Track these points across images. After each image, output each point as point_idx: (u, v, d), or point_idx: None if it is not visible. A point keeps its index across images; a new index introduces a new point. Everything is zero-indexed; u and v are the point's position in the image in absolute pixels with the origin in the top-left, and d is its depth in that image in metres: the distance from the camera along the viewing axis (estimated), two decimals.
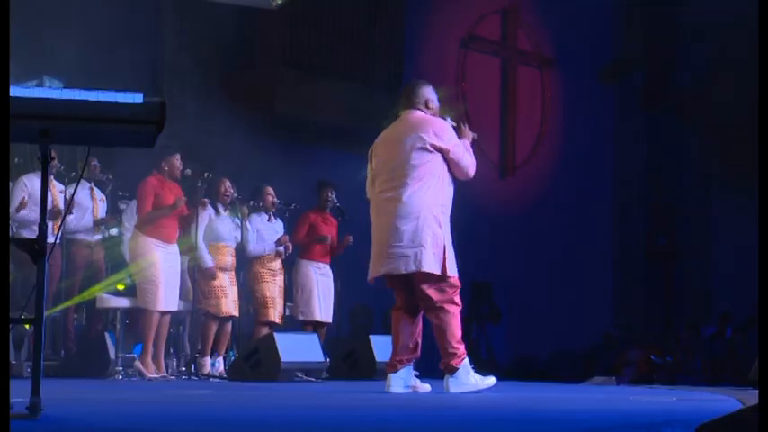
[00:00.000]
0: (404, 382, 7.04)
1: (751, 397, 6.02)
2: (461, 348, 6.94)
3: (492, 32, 17.99)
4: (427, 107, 7.17)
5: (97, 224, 10.33)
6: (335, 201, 11.26)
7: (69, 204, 9.65)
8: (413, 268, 6.90)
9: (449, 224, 7.00)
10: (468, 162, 7.02)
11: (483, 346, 16.16)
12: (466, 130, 7.26)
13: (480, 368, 12.68)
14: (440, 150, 6.96)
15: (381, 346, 10.63)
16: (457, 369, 6.91)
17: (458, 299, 6.97)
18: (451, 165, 6.99)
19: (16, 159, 9.72)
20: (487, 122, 16.87)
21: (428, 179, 6.95)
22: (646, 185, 19.43)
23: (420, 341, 7.16)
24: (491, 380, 7.01)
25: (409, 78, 16.03)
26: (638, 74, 19.38)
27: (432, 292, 6.94)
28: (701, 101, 18.71)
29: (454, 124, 7.25)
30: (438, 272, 6.88)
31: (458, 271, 7.01)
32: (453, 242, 7.05)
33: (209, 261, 10.26)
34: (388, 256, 6.96)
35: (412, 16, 16.48)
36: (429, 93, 7.23)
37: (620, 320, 18.28)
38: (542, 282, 16.94)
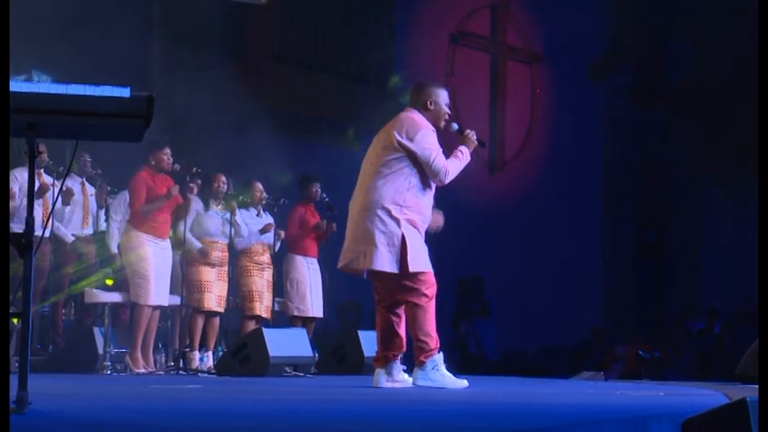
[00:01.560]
0: (391, 377, 7.03)
1: (738, 392, 6.04)
2: (430, 343, 6.89)
3: (482, 28, 18.01)
4: (426, 108, 7.10)
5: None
6: (324, 196, 11.27)
7: (56, 200, 9.62)
8: (365, 265, 6.93)
9: (411, 225, 6.90)
10: (440, 168, 6.91)
11: (472, 341, 16.18)
12: (469, 136, 7.21)
13: (470, 363, 12.75)
14: (407, 150, 6.93)
15: (370, 341, 10.64)
16: (424, 363, 6.91)
17: (428, 290, 6.91)
18: (424, 168, 6.95)
19: None
20: (477, 118, 16.88)
21: (391, 176, 6.92)
22: (635, 181, 19.46)
23: (404, 336, 7.13)
24: (462, 382, 6.96)
25: (398, 73, 16.07)
26: (627, 70, 19.40)
27: (394, 289, 6.95)
28: (691, 97, 18.75)
29: (457, 129, 7.23)
30: (395, 270, 6.86)
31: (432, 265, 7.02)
32: (431, 238, 7.07)
33: (197, 243, 10.26)
34: (347, 249, 7.04)
35: (402, 11, 16.48)
36: (433, 94, 7.14)
37: (609, 316, 18.32)
38: (532, 277, 16.96)
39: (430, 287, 6.95)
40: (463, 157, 7.14)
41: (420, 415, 4.34)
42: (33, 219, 3.89)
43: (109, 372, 9.70)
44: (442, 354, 6.98)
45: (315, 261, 11.25)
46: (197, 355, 10.26)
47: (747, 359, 8.69)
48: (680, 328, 16.40)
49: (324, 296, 11.33)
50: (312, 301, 11.10)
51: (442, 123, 7.18)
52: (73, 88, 3.80)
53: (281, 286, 11.13)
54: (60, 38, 11.17)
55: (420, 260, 6.92)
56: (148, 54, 13.45)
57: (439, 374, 6.89)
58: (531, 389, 7.13)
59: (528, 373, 12.94)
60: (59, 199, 9.82)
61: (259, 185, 10.95)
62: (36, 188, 9.76)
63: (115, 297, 10.09)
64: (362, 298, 14.51)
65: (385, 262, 6.86)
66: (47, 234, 9.65)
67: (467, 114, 16.88)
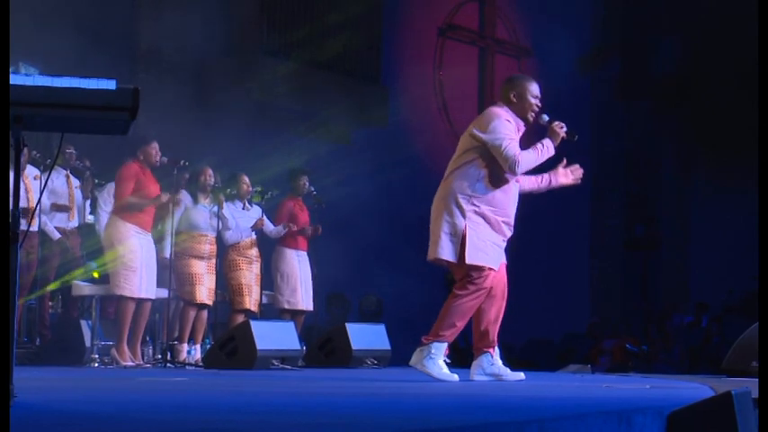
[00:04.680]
0: (482, 370, 7.05)
1: (724, 385, 6.06)
2: (439, 330, 6.93)
3: (470, 21, 18.00)
4: (510, 102, 7.08)
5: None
6: (312, 189, 11.27)
7: (41, 193, 9.59)
8: (431, 255, 6.98)
9: (483, 216, 6.89)
10: (509, 156, 6.84)
11: (461, 335, 16.18)
12: (555, 129, 7.16)
13: (458, 356, 12.80)
14: (480, 141, 6.92)
15: (358, 335, 10.66)
16: (425, 345, 6.93)
17: (471, 286, 6.90)
18: (496, 157, 6.90)
19: None
20: (465, 112, 16.87)
21: (463, 167, 6.94)
22: (623, 175, 19.48)
23: (491, 328, 7.12)
24: (453, 376, 6.95)
25: (387, 68, 16.06)
26: (615, 63, 19.42)
27: (456, 276, 6.99)
28: (679, 91, 18.78)
29: (547, 121, 7.16)
30: (453, 260, 6.87)
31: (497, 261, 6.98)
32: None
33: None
34: (430, 240, 7.02)
35: (390, 4, 16.46)
36: (516, 87, 7.11)
37: (597, 310, 18.34)
38: (521, 271, 16.90)
39: (471, 282, 6.91)
40: (543, 149, 7.08)
41: (405, 408, 4.35)
42: (20, 211, 3.88)
43: (96, 365, 9.68)
44: (445, 344, 6.99)
45: (304, 254, 11.26)
46: (185, 347, 10.26)
47: (733, 353, 8.72)
48: (668, 321, 16.43)
49: (313, 289, 11.33)
50: (302, 295, 11.11)
51: (531, 116, 7.13)
52: (59, 80, 3.79)
53: (268, 279, 11.13)
54: (48, 31, 11.13)
55: (478, 254, 6.89)
56: (135, 45, 13.42)
57: (434, 363, 6.90)
58: (518, 382, 7.14)
59: (515, 366, 12.93)
60: (45, 192, 9.81)
61: (246, 178, 10.93)
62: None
63: (102, 290, 10.05)
64: (350, 291, 14.52)
65: (445, 251, 6.88)
66: (33, 228, 9.63)
67: (454, 108, 16.88)
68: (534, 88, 7.17)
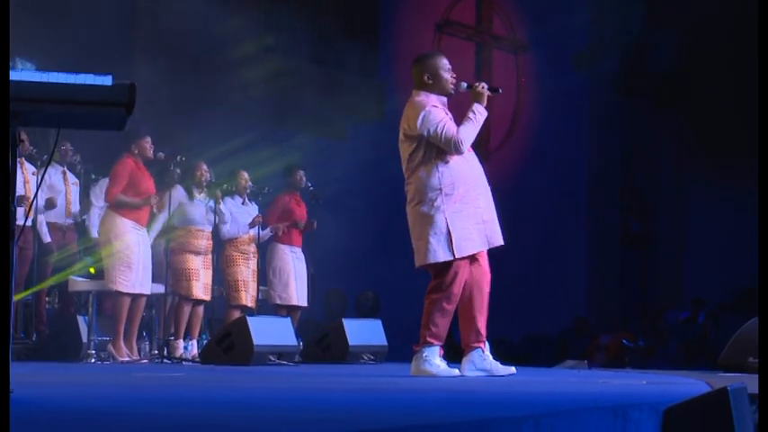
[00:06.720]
0: (474, 365, 7.02)
1: (720, 381, 6.07)
2: (426, 335, 6.91)
3: (466, 17, 17.99)
4: (426, 85, 6.98)
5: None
6: (309, 185, 11.28)
7: (38, 189, 9.60)
8: (420, 262, 6.93)
9: (461, 202, 6.86)
10: (450, 140, 6.80)
11: (457, 330, 16.18)
12: (478, 89, 7.05)
13: (454, 352, 12.82)
14: (417, 138, 6.90)
15: (354, 330, 10.66)
16: (416, 352, 6.93)
17: (444, 286, 6.89)
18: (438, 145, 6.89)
19: None
20: (461, 107, 16.86)
21: (420, 167, 6.89)
22: (620, 171, 19.49)
23: (478, 323, 7.11)
24: (453, 371, 6.96)
25: (384, 63, 16.05)
26: (612, 59, 19.42)
27: (433, 278, 6.98)
28: (676, 86, 18.78)
29: (466, 87, 7.06)
30: (449, 258, 6.84)
31: (485, 242, 7.02)
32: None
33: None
34: (415, 247, 6.98)
35: (387, 0, 16.46)
36: (426, 67, 7.01)
37: (594, 305, 18.35)
38: (517, 266, 16.96)
39: (445, 282, 6.90)
40: (476, 116, 6.99)
41: (402, 403, 4.35)
42: (15, 207, 3.88)
43: (93, 360, 9.68)
44: (437, 347, 6.97)
45: (299, 250, 11.27)
46: (181, 343, 10.26)
47: (730, 349, 8.74)
48: (664, 317, 16.45)
49: (308, 285, 11.33)
50: (296, 290, 11.11)
51: (451, 89, 7.05)
52: (54, 76, 3.79)
53: (265, 275, 11.14)
54: (44, 26, 11.12)
55: (464, 243, 6.88)
56: (131, 42, 13.41)
57: (429, 364, 6.89)
58: (514, 377, 7.15)
59: (512, 361, 12.93)
60: (40, 191, 9.82)
61: (244, 174, 10.95)
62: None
63: (99, 285, 10.05)
64: (347, 287, 14.52)
65: (438, 253, 6.84)
66: (29, 223, 9.62)
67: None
68: (444, 62, 7.05)
